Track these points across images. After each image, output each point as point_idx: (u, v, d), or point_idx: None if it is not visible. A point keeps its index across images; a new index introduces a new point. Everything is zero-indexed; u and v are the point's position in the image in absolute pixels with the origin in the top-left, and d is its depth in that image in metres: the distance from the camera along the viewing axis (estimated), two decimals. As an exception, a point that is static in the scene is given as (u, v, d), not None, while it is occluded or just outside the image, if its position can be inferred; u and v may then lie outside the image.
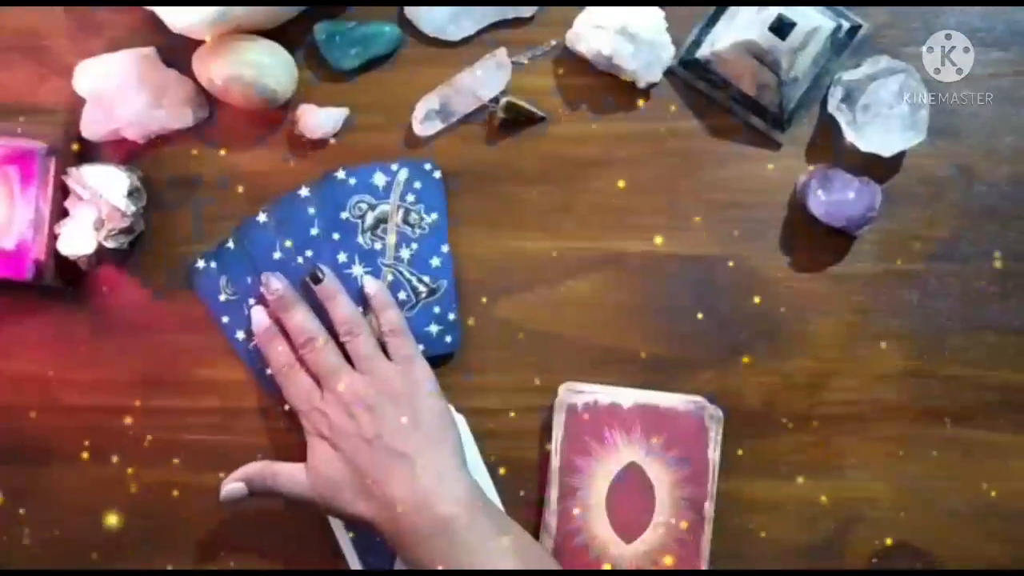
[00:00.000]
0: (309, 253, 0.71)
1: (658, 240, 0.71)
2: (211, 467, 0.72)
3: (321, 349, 0.68)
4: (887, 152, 0.69)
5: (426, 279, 0.71)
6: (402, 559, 0.65)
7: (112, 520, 0.72)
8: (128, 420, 0.72)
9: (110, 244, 0.69)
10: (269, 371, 0.71)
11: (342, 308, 0.69)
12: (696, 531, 0.69)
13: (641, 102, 0.72)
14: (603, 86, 0.71)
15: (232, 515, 0.72)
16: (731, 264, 0.71)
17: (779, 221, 0.71)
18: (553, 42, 0.72)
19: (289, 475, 0.67)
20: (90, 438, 0.72)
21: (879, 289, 0.71)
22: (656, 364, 0.71)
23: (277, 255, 0.71)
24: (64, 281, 0.71)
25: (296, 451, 0.71)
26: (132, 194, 0.69)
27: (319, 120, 0.70)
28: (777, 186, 0.71)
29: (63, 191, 0.70)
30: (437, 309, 0.71)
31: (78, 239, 0.69)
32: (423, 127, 0.71)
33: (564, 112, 0.72)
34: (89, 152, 0.72)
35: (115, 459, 0.72)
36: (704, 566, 0.69)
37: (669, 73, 0.71)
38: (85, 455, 0.72)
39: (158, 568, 0.72)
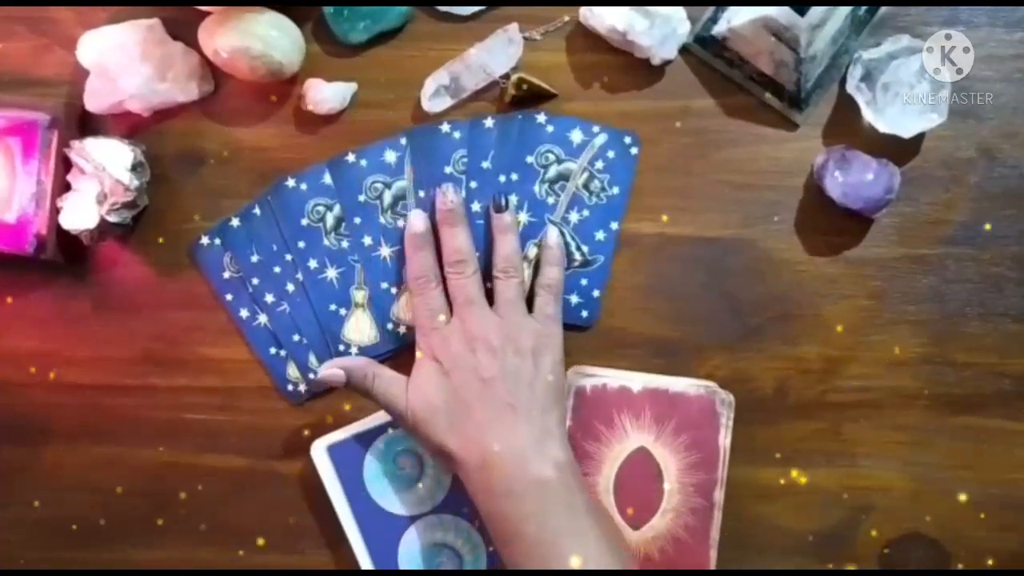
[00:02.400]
0: (473, 185, 0.70)
1: (671, 221, 0.70)
2: (212, 447, 0.71)
3: (469, 276, 0.67)
4: (906, 133, 0.67)
5: (585, 249, 0.70)
6: (480, 505, 0.64)
7: (113, 500, 0.71)
8: (129, 398, 0.71)
9: (113, 219, 0.68)
10: (272, 352, 0.71)
11: (510, 245, 0.68)
12: (705, 518, 0.68)
13: (655, 80, 0.70)
14: (617, 63, 0.70)
15: (234, 496, 0.71)
16: (745, 247, 0.70)
17: (795, 203, 0.70)
18: (566, 17, 0.70)
19: (389, 382, 0.66)
20: (90, 416, 0.71)
21: (895, 274, 0.70)
22: (667, 347, 0.70)
23: (305, 222, 0.70)
24: (66, 256, 0.70)
25: (298, 439, 0.70)
26: (135, 168, 0.68)
27: (326, 95, 0.69)
28: (793, 167, 0.70)
29: (66, 164, 0.69)
30: (584, 281, 0.70)
31: (80, 213, 0.68)
32: (432, 103, 0.70)
33: (576, 89, 0.70)
34: (92, 125, 0.71)
35: (116, 438, 0.71)
36: (713, 553, 0.68)
37: (684, 51, 0.70)
38: (85, 433, 0.71)
39: (160, 551, 0.71)
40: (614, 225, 0.70)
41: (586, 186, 0.70)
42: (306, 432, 0.70)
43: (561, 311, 0.68)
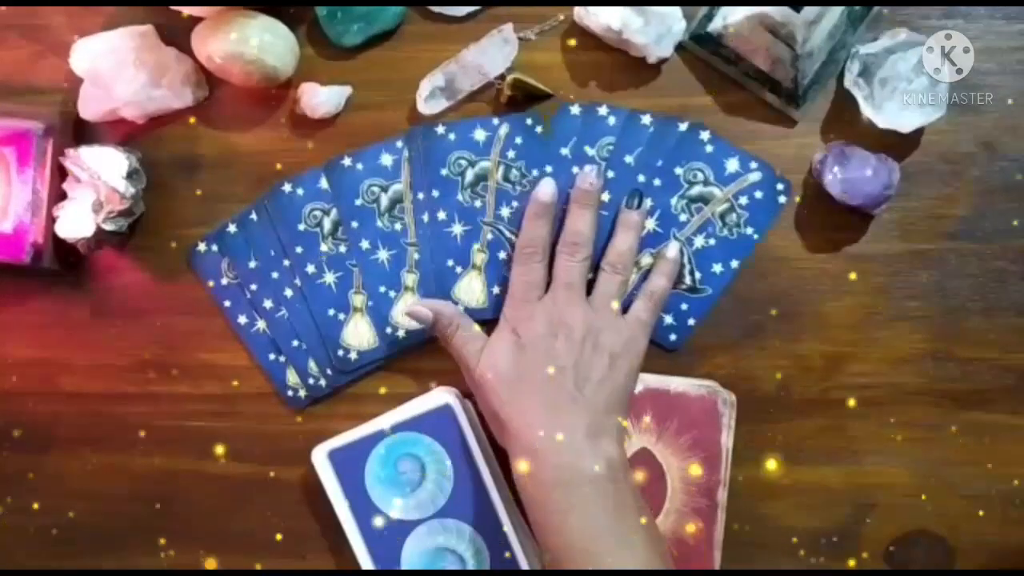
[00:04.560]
0: (611, 174, 0.69)
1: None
2: (212, 454, 0.71)
3: (579, 261, 0.67)
4: (906, 128, 0.67)
5: (698, 276, 0.69)
6: (524, 490, 0.63)
7: (113, 507, 0.71)
8: (129, 405, 0.71)
9: (109, 227, 0.68)
10: (271, 358, 0.70)
11: (628, 243, 0.67)
12: (709, 518, 0.68)
13: (652, 79, 0.70)
14: (613, 62, 0.70)
15: (235, 502, 0.71)
16: (744, 244, 0.70)
17: (794, 200, 0.69)
18: (561, 17, 0.70)
19: (470, 337, 0.67)
20: (90, 424, 0.71)
21: (897, 269, 0.69)
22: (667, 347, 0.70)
23: (302, 227, 0.70)
24: (63, 264, 0.70)
25: (298, 445, 0.70)
26: (131, 176, 0.68)
27: (321, 98, 0.69)
28: (792, 164, 0.69)
29: (61, 173, 0.69)
30: (684, 306, 0.69)
31: (77, 222, 0.68)
32: (428, 105, 0.70)
33: (572, 89, 0.70)
34: (87, 133, 0.71)
35: (115, 445, 0.71)
36: (717, 554, 0.68)
37: (680, 48, 0.70)
38: (85, 441, 0.71)
39: (161, 558, 0.71)
40: (734, 263, 0.69)
41: (722, 216, 0.69)
42: (307, 437, 0.70)
43: (654, 322, 0.67)
